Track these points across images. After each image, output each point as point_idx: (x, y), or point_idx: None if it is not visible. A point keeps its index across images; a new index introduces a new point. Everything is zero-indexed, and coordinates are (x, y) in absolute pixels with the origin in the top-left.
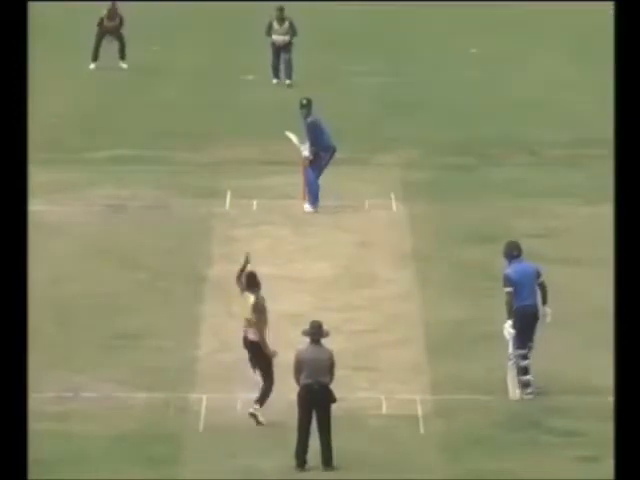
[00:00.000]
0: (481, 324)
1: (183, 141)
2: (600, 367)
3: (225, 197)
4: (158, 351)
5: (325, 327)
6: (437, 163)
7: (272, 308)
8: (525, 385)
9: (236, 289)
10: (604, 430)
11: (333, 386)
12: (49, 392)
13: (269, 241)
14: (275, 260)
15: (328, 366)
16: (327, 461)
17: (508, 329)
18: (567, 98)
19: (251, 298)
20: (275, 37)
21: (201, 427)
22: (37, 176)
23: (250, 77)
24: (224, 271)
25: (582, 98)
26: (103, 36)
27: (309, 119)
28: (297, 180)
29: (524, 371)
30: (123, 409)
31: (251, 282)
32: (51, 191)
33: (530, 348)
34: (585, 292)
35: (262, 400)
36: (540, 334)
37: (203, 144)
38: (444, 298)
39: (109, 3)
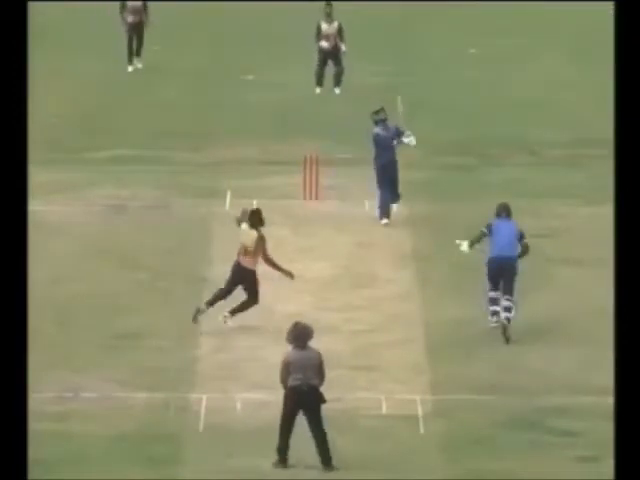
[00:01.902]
0: (481, 324)
1: (183, 141)
2: (600, 367)
3: (225, 197)
4: (158, 351)
5: (309, 327)
6: (437, 163)
7: (272, 308)
8: (493, 314)
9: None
10: (604, 430)
11: (333, 385)
12: (49, 392)
13: (269, 241)
14: (275, 260)
15: (317, 367)
16: (327, 461)
17: (464, 246)
18: (567, 98)
19: (254, 232)
20: (323, 43)
21: (201, 427)
22: (37, 176)
23: (250, 77)
24: (224, 271)
25: (582, 98)
26: (132, 35)
27: (374, 130)
28: (297, 180)
29: (492, 302)
30: (123, 409)
31: (256, 218)
32: (51, 191)
33: (511, 301)
34: (585, 292)
35: (238, 310)
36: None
37: (203, 144)
38: (444, 298)
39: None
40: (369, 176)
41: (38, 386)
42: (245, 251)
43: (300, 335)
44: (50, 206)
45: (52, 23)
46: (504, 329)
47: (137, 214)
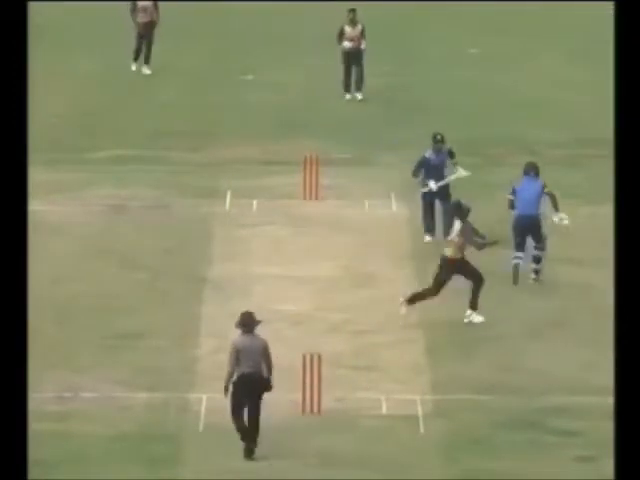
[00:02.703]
0: (481, 324)
1: (183, 141)
2: (600, 367)
3: (225, 197)
4: (158, 351)
5: (254, 315)
6: None
7: (272, 308)
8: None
9: (235, 289)
10: (604, 430)
11: (333, 385)
12: (49, 392)
13: (269, 241)
14: (275, 260)
15: (263, 355)
16: (251, 449)
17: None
18: (567, 98)
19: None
20: (347, 44)
21: (201, 427)
22: (37, 176)
23: (250, 77)
24: (224, 271)
25: (582, 98)
26: (142, 36)
27: (425, 153)
28: (297, 180)
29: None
30: (123, 409)
31: (460, 212)
32: (51, 191)
33: (541, 253)
34: (585, 292)
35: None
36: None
37: (203, 144)
38: (444, 298)
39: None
40: (369, 176)
41: (38, 386)
42: (449, 244)
43: (247, 321)
44: (50, 206)
45: (52, 23)
46: (515, 271)
47: (137, 214)
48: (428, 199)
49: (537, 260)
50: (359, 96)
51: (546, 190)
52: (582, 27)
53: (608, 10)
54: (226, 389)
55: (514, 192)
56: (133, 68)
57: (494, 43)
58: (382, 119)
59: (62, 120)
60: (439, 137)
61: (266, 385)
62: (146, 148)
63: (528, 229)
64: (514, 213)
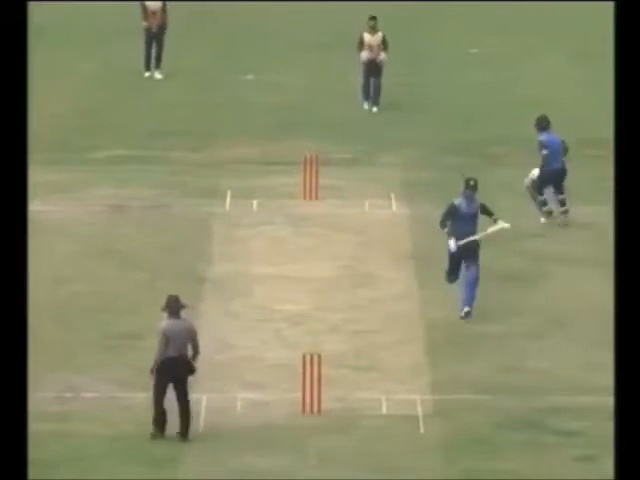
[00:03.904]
0: (481, 324)
1: (183, 141)
2: (600, 367)
3: (225, 197)
4: None
5: (179, 298)
6: (437, 163)
7: (272, 308)
8: (548, 213)
9: (235, 289)
10: (604, 430)
11: (333, 385)
12: (49, 392)
13: (269, 241)
14: (275, 260)
15: (189, 338)
16: (184, 432)
17: (533, 174)
18: (567, 98)
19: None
20: (364, 54)
21: (201, 427)
22: (37, 176)
23: (250, 77)
24: (224, 271)
25: (582, 98)
26: (151, 42)
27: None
28: (297, 180)
29: (542, 204)
30: (123, 409)
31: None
32: (51, 191)
33: (563, 196)
34: (585, 292)
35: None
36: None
37: (203, 144)
38: (444, 298)
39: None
40: (369, 176)
41: (38, 386)
42: None
43: (173, 305)
44: (50, 206)
45: (52, 23)
46: (563, 213)
47: (137, 214)
48: (456, 256)
49: (563, 202)
50: (375, 109)
51: (565, 145)
52: (582, 27)
53: (608, 10)
54: (151, 372)
55: (544, 145)
56: (146, 75)
57: (494, 43)
58: (382, 119)
59: (62, 120)
60: (472, 182)
61: (190, 368)
62: (146, 148)
63: (559, 177)
64: (548, 167)
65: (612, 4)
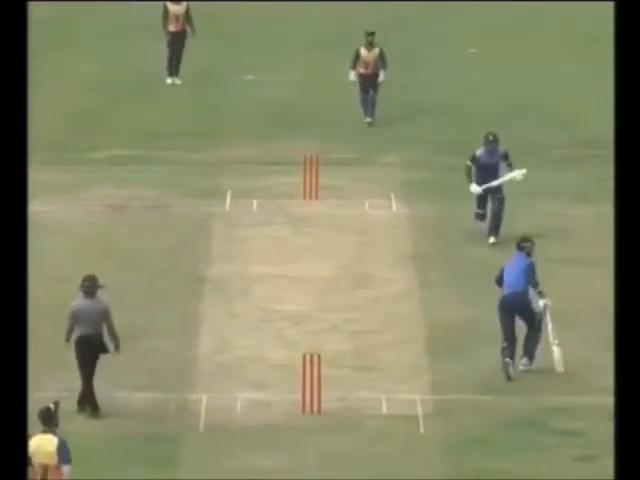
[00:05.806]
0: (481, 324)
1: (183, 141)
2: (600, 367)
3: (225, 197)
4: (158, 351)
5: (96, 277)
6: (437, 163)
7: (272, 308)
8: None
9: (235, 289)
10: (604, 430)
11: (333, 385)
12: (49, 392)
13: (269, 241)
14: (275, 260)
15: (103, 318)
16: (95, 406)
17: (475, 188)
18: (567, 98)
19: None
20: (353, 76)
21: (201, 427)
22: (37, 176)
23: (250, 77)
24: (224, 271)
25: (582, 98)
26: (173, 47)
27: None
28: (297, 180)
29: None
30: (123, 409)
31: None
32: (51, 191)
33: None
34: (585, 292)
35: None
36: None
37: (203, 144)
38: (444, 298)
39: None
40: (369, 176)
41: (38, 386)
42: None
43: (88, 284)
44: (50, 206)
45: (52, 23)
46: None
47: (137, 214)
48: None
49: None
50: (369, 119)
51: (509, 161)
52: (582, 27)
53: (608, 10)
54: (66, 340)
55: (473, 157)
56: (169, 82)
57: (494, 43)
58: (382, 119)
59: (62, 120)
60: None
61: (102, 347)
62: (146, 148)
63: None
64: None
65: (612, 4)
